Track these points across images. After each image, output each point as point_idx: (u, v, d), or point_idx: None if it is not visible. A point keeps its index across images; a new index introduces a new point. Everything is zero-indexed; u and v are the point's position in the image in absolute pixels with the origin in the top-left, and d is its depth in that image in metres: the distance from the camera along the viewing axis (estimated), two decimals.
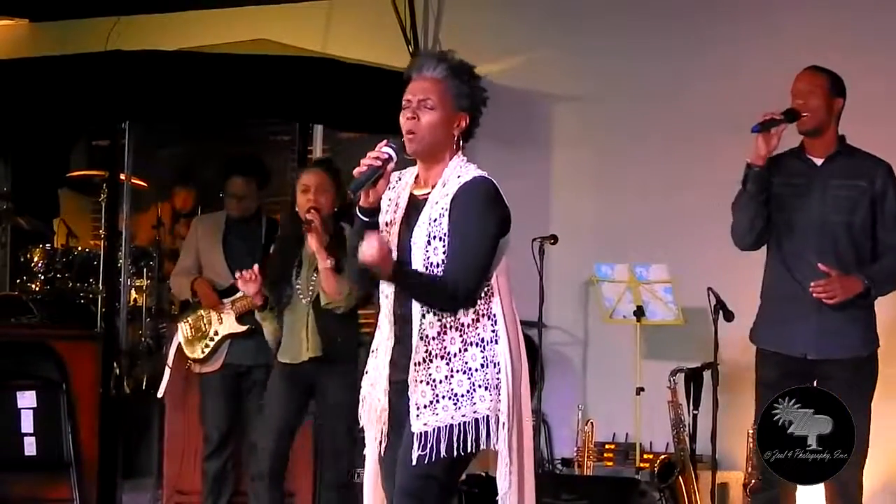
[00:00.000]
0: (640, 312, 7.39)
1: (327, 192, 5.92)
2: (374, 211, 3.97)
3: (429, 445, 3.86)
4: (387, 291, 4.03)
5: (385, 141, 3.95)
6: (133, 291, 8.24)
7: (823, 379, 5.36)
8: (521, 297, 7.20)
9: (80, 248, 8.46)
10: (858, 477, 5.35)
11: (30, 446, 7.38)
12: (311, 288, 5.94)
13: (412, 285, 3.91)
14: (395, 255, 3.98)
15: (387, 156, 3.91)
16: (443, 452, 3.86)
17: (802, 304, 5.34)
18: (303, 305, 5.96)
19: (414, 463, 3.86)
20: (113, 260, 7.89)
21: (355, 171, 3.90)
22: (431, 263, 3.92)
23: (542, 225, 8.14)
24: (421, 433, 3.87)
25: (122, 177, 8.02)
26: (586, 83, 8.45)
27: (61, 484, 7.34)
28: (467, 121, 4.03)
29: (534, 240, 7.67)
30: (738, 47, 7.97)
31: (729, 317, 6.98)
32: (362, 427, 4.14)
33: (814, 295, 5.27)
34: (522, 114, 8.59)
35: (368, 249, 3.77)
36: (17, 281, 8.27)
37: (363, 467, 4.20)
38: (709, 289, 7.01)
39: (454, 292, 3.88)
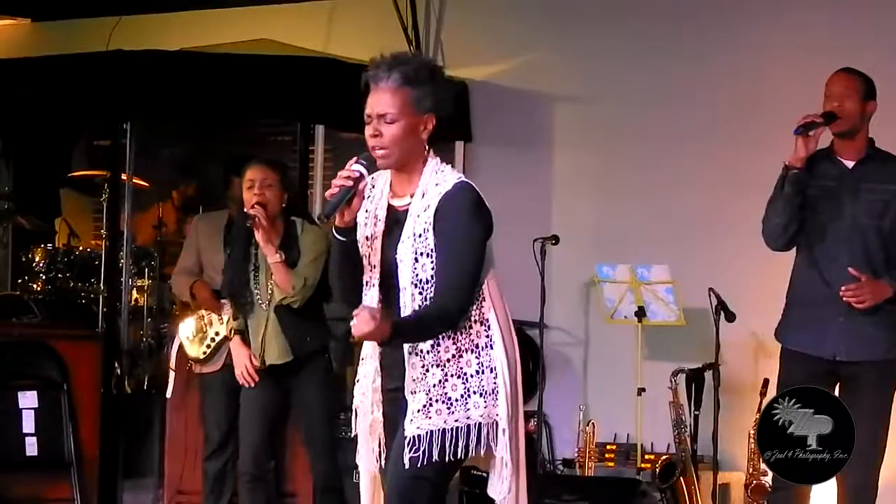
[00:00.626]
0: (641, 313, 7.39)
1: (272, 187, 5.82)
2: (350, 230, 3.92)
3: (421, 449, 3.83)
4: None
5: (355, 158, 3.86)
6: (134, 291, 8.23)
7: (849, 380, 5.38)
8: (523, 297, 7.27)
9: (81, 248, 8.44)
10: (874, 478, 5.36)
11: (31, 446, 7.38)
12: (269, 293, 5.87)
13: (412, 336, 3.85)
14: (378, 269, 3.93)
15: (358, 174, 3.82)
16: (435, 456, 3.83)
17: (832, 306, 5.35)
18: (262, 311, 5.88)
19: (406, 466, 3.84)
20: (114, 260, 7.89)
21: (327, 194, 3.83)
22: (421, 280, 3.86)
23: (544, 225, 8.14)
24: (413, 436, 3.84)
25: (124, 177, 8.01)
26: (587, 85, 8.45)
27: (62, 484, 7.35)
28: (434, 121, 3.91)
29: (535, 240, 7.67)
30: (738, 50, 7.97)
31: (730, 317, 6.99)
32: (355, 435, 4.11)
33: (844, 299, 5.28)
34: (524, 114, 8.59)
35: (362, 326, 3.66)
36: (19, 281, 8.26)
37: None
38: (710, 289, 7.01)
39: (452, 314, 3.83)
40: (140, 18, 9.50)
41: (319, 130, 8.68)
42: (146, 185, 8.78)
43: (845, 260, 5.33)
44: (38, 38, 9.95)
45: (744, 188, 7.58)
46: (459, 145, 8.61)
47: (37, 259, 8.10)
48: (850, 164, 5.42)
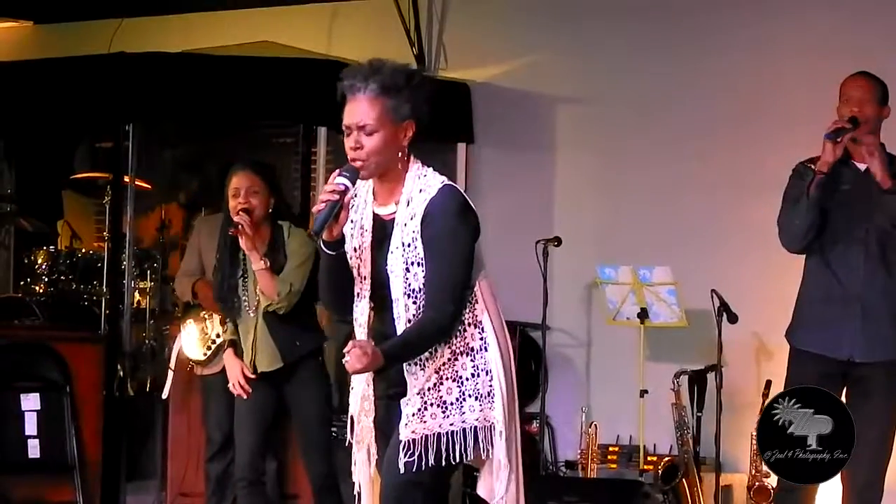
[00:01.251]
0: (643, 314, 7.38)
1: (258, 193, 5.76)
2: (339, 243, 3.89)
3: (416, 453, 3.81)
4: (360, 320, 3.96)
5: (337, 171, 3.84)
6: (136, 293, 8.23)
7: (860, 381, 5.39)
8: (525, 299, 7.28)
9: (83, 250, 8.44)
10: (881, 479, 5.38)
11: (33, 449, 7.38)
12: (257, 299, 5.82)
13: (407, 356, 3.84)
14: (369, 280, 3.91)
15: (343, 187, 3.79)
16: (430, 460, 3.81)
17: (847, 307, 5.37)
18: (251, 317, 5.84)
19: (401, 470, 3.82)
20: (116, 262, 7.89)
21: (314, 209, 3.81)
22: (413, 290, 3.84)
23: (546, 227, 8.13)
24: (408, 441, 3.82)
25: (126, 179, 8.01)
26: (590, 86, 8.44)
27: (65, 486, 7.35)
28: (413, 127, 3.87)
29: (537, 242, 7.67)
30: (740, 51, 7.96)
31: (732, 319, 6.98)
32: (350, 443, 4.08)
33: None
34: (526, 116, 8.59)
35: (355, 363, 3.67)
36: (21, 283, 8.26)
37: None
38: (712, 291, 7.01)
39: (444, 324, 3.82)
40: (142, 21, 9.50)
41: (321, 132, 8.68)
42: (148, 186, 8.78)
43: (860, 261, 5.35)
44: (41, 40, 9.96)
45: (746, 190, 7.59)
46: (461, 147, 8.62)
47: (39, 261, 8.10)
48: (863, 167, 5.44)
